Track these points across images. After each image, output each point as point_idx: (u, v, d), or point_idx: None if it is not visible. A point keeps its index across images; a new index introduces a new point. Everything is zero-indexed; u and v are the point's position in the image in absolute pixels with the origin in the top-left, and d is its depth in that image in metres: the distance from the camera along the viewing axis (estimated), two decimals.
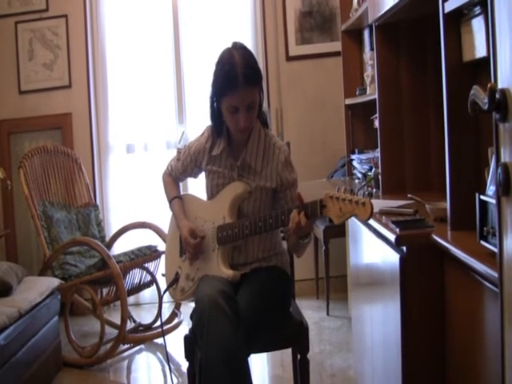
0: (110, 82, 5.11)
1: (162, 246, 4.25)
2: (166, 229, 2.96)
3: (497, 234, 1.43)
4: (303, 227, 2.31)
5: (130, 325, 4.31)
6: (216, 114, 2.55)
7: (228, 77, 2.40)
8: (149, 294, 5.00)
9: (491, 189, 1.74)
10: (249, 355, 2.33)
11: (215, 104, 2.53)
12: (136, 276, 4.22)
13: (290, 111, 5.09)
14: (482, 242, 1.69)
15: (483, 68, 2.07)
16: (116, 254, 4.13)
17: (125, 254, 4.11)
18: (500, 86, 1.38)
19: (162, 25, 5.13)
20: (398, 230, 2.15)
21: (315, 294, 4.96)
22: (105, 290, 4.38)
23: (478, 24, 2.05)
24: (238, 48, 2.48)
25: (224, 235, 2.54)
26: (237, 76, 2.38)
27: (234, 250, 2.61)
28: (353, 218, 2.97)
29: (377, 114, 3.23)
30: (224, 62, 2.44)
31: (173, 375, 3.74)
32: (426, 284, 2.09)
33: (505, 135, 1.36)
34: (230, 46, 2.50)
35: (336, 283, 4.74)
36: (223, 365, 2.18)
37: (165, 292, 2.75)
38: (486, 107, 1.39)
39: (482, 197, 1.69)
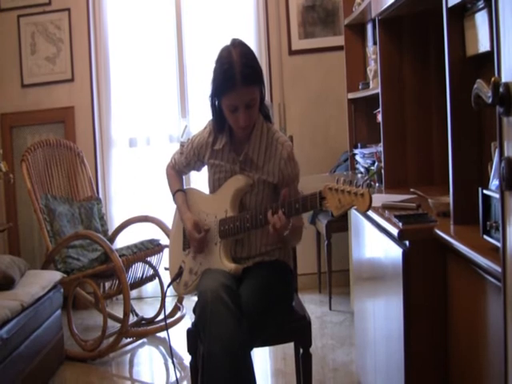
0: (113, 75, 5.11)
1: (164, 240, 4.26)
2: (168, 223, 2.97)
3: (500, 228, 1.43)
4: (280, 228, 2.34)
5: (132, 319, 4.32)
6: (217, 111, 2.55)
7: (226, 76, 2.39)
8: (151, 287, 5.02)
9: (494, 183, 1.74)
10: (251, 349, 2.34)
11: (216, 102, 2.53)
12: (138, 270, 4.23)
13: (293, 106, 5.08)
14: (485, 237, 1.69)
15: (487, 62, 2.07)
16: (119, 248, 4.13)
17: (127, 247, 4.11)
18: (504, 79, 1.38)
19: (165, 18, 5.12)
20: (400, 224, 2.15)
21: (318, 288, 4.97)
22: (107, 284, 4.39)
23: (481, 18, 2.04)
24: (237, 45, 2.46)
25: (226, 228, 2.54)
26: (235, 75, 2.36)
27: (237, 244, 2.61)
28: (355, 212, 2.98)
29: (380, 109, 3.22)
30: (222, 60, 2.43)
31: (175, 369, 3.75)
32: (429, 278, 2.09)
33: (508, 129, 1.36)
34: (228, 43, 2.48)
35: (338, 277, 4.75)
36: (226, 358, 2.19)
37: (168, 286, 2.75)
38: (489, 101, 1.39)
39: (485, 191, 1.69)
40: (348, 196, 2.13)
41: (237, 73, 2.36)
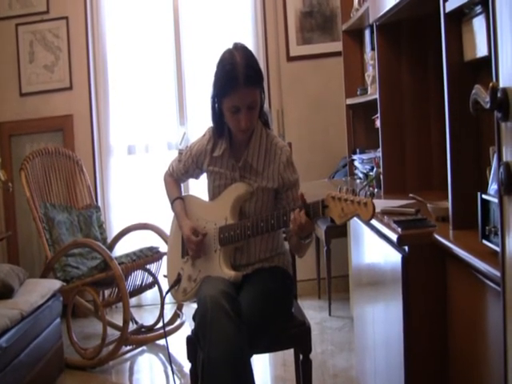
0: (111, 83, 5.11)
1: (163, 248, 4.25)
2: (167, 230, 2.96)
3: (499, 232, 1.43)
4: (304, 227, 2.31)
5: (132, 326, 4.31)
6: (217, 114, 2.55)
7: (229, 77, 2.40)
8: (151, 295, 5.01)
9: (493, 188, 1.74)
10: (251, 356, 2.33)
11: (216, 104, 2.53)
12: (138, 277, 4.22)
13: (291, 111, 5.09)
14: (484, 241, 1.69)
15: (484, 67, 2.07)
16: (118, 256, 4.13)
17: (126, 255, 4.11)
18: (501, 84, 1.38)
19: (163, 26, 5.13)
20: (399, 229, 2.15)
21: (317, 294, 4.96)
22: (107, 292, 4.38)
23: (479, 23, 2.05)
24: (239, 48, 2.48)
25: (226, 236, 2.54)
26: (238, 76, 2.38)
27: (236, 251, 2.61)
28: (355, 218, 2.98)
29: (378, 114, 3.23)
30: (225, 62, 2.45)
31: (175, 376, 3.74)
32: (428, 283, 2.09)
33: (507, 134, 1.36)
34: (230, 46, 2.51)
35: (338, 283, 4.74)
36: (226, 365, 2.18)
37: (167, 293, 2.75)
38: (487, 106, 1.39)
39: (484, 196, 1.69)
40: (351, 205, 2.13)
41: (240, 74, 2.38)
